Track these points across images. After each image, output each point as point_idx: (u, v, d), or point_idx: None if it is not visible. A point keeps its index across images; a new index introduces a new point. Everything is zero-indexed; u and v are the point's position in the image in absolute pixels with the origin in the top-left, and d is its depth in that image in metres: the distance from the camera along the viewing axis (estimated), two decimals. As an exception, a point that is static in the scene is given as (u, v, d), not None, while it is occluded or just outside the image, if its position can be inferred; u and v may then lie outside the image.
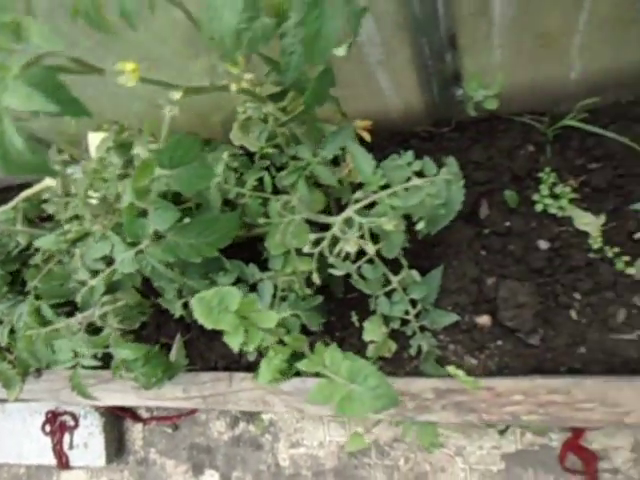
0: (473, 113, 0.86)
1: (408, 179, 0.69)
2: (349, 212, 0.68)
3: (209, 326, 0.68)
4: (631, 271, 0.84)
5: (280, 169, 0.83)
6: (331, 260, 0.71)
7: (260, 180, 0.84)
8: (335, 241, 0.72)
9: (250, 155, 0.88)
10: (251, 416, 1.43)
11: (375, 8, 0.69)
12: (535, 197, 0.90)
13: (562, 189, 0.89)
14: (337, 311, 0.97)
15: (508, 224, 0.90)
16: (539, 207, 0.90)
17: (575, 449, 1.12)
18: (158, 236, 0.68)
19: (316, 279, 0.73)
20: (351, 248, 0.70)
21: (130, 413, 1.52)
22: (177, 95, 0.55)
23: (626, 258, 0.85)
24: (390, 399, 0.66)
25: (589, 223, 0.90)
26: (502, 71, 0.83)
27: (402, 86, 0.88)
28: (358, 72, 0.85)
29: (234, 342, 0.69)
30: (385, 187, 0.72)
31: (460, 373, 0.75)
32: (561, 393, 0.74)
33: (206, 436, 1.48)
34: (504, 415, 0.77)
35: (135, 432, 1.56)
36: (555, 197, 0.90)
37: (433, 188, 0.68)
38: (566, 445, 1.13)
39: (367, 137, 0.90)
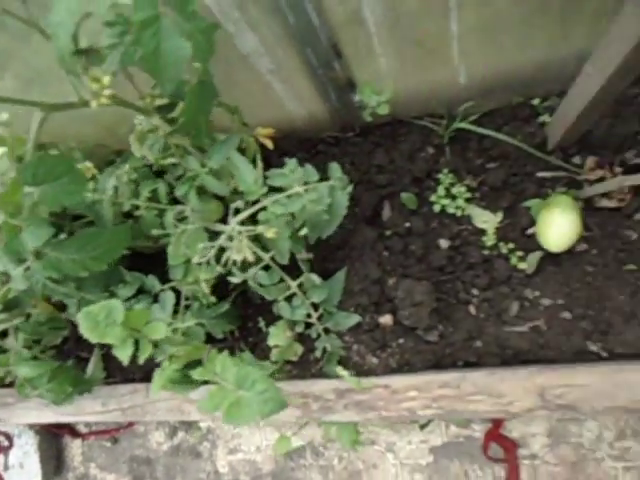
0: (369, 119, 0.88)
1: (282, 189, 0.70)
2: (231, 221, 0.69)
3: (94, 340, 0.68)
4: (523, 266, 0.88)
5: (179, 179, 0.84)
6: (218, 269, 0.71)
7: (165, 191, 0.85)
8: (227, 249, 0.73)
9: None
10: (189, 425, 1.43)
11: (250, 19, 0.71)
12: (433, 198, 0.93)
13: (459, 189, 0.92)
14: (253, 316, 0.98)
15: (409, 225, 0.93)
16: (437, 207, 0.93)
17: (496, 438, 1.16)
18: (39, 253, 0.67)
19: (204, 288, 0.74)
20: (238, 257, 0.71)
21: (68, 429, 1.50)
22: (4, 116, 0.55)
23: (520, 253, 0.89)
24: (278, 403, 0.67)
25: (487, 221, 0.94)
26: (392, 77, 0.86)
27: (300, 94, 0.90)
28: (253, 82, 0.86)
29: (122, 354, 0.69)
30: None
31: (345, 374, 0.77)
32: (451, 387, 0.77)
33: (145, 448, 1.47)
34: (402, 411, 0.80)
35: (74, 448, 1.54)
36: (452, 197, 0.93)
37: (314, 195, 0.70)
38: (488, 435, 1.17)
39: (269, 144, 0.92)
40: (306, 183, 0.73)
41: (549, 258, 0.87)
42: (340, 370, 0.78)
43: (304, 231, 0.71)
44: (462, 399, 0.77)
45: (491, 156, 0.96)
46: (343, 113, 0.96)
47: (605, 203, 0.86)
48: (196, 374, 0.73)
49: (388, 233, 0.93)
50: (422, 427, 1.14)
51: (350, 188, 0.77)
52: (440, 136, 0.96)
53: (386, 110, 0.86)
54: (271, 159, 1.02)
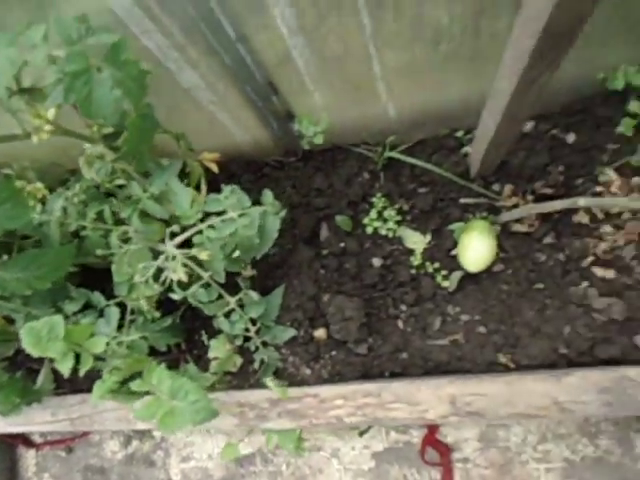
0: (307, 147, 0.96)
1: (225, 212, 0.77)
2: (168, 244, 0.75)
3: (37, 354, 0.73)
4: (446, 284, 0.96)
5: (126, 200, 0.89)
6: (157, 287, 0.77)
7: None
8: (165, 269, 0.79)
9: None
10: (143, 434, 1.47)
11: (189, 59, 0.77)
12: (366, 220, 1.00)
13: (390, 212, 1.00)
14: (200, 329, 1.03)
15: (344, 245, 1.00)
16: (370, 229, 1.00)
17: (432, 443, 1.24)
18: (-16, 271, 0.72)
19: (144, 305, 0.79)
20: (175, 277, 0.76)
21: (22, 439, 1.51)
22: None
23: (444, 272, 0.97)
24: (208, 412, 0.73)
25: (417, 242, 1.02)
26: (326, 110, 0.93)
27: (243, 123, 0.97)
28: (198, 112, 0.92)
29: (63, 367, 0.74)
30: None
31: (273, 384, 0.83)
32: (374, 396, 0.84)
33: (100, 457, 1.50)
34: (330, 419, 0.86)
35: (29, 458, 1.55)
36: (384, 220, 1.01)
37: (246, 220, 0.76)
38: (424, 440, 1.25)
39: (214, 168, 0.98)
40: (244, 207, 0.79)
41: (469, 277, 0.96)
42: (269, 381, 0.84)
43: (236, 253, 0.77)
44: (383, 407, 0.84)
45: (422, 182, 1.04)
46: (285, 140, 1.03)
47: (518, 228, 0.95)
48: (135, 385, 0.78)
49: (325, 252, 1.01)
50: (361, 434, 1.21)
51: (283, 213, 0.84)
52: (375, 162, 1.04)
53: (321, 140, 0.93)
54: (219, 181, 1.08)
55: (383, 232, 1.01)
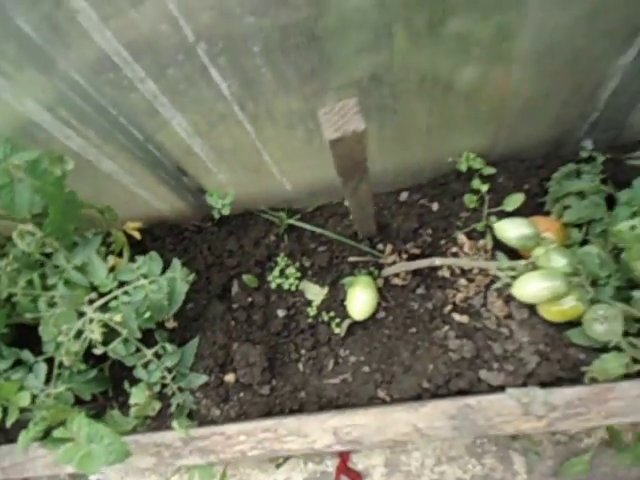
0: (218, 216, 1.12)
1: (137, 279, 0.92)
2: (87, 309, 0.89)
3: (-33, 410, 0.84)
4: (338, 330, 1.13)
5: (55, 268, 1.03)
6: (77, 346, 0.90)
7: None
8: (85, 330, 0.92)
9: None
10: (81, 477, 1.54)
11: (106, 152, 0.93)
12: (269, 277, 1.17)
13: (291, 270, 1.17)
14: (125, 377, 1.16)
15: (251, 299, 1.16)
16: (273, 285, 1.17)
17: (345, 471, 1.39)
18: None
19: (66, 361, 0.92)
20: (95, 336, 0.90)
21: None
22: None
23: (337, 320, 1.14)
24: (121, 453, 0.86)
25: (316, 294, 1.19)
26: (232, 186, 1.11)
27: (162, 198, 1.13)
28: (121, 190, 1.08)
29: (-9, 420, 0.86)
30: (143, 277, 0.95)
31: (177, 426, 0.97)
32: (271, 431, 0.99)
33: (36, 504, 1.55)
34: (235, 453, 1.00)
35: (-36, 510, 1.58)
36: (286, 276, 1.18)
37: (155, 286, 0.91)
38: (338, 469, 1.39)
39: (137, 235, 1.13)
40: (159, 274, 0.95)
41: (358, 324, 1.13)
42: (175, 423, 0.97)
43: (147, 314, 0.92)
44: (279, 440, 0.99)
45: (321, 242, 1.22)
46: (201, 208, 1.20)
47: (396, 281, 1.14)
48: (57, 433, 0.90)
49: (235, 306, 1.16)
50: (278, 466, 1.35)
51: (191, 277, 1.00)
52: (279, 226, 1.22)
53: (228, 211, 1.11)
54: (146, 242, 1.24)
55: (286, 287, 1.18)
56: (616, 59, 0.83)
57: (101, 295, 0.92)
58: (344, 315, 1.14)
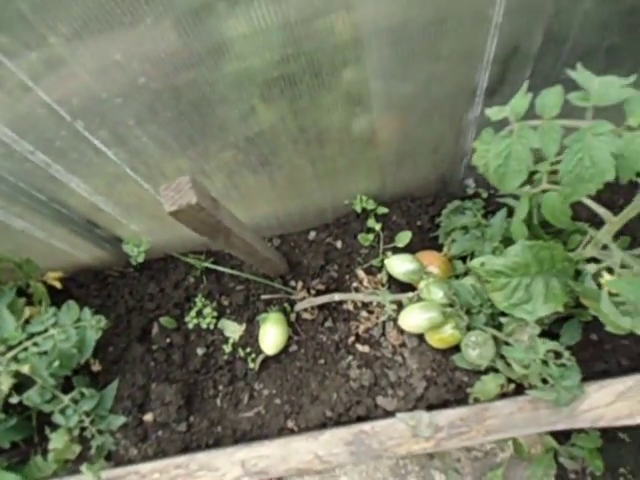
0: (135, 263, 1.19)
1: (47, 330, 0.98)
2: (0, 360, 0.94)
3: None
4: (253, 365, 1.20)
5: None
6: (-12, 397, 0.95)
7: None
8: None
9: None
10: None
11: (15, 213, 1.00)
12: (187, 318, 1.24)
13: (208, 310, 1.24)
14: (50, 423, 1.20)
15: (170, 340, 1.22)
16: (191, 325, 1.24)
17: (277, 500, 1.43)
18: None
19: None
20: (3, 387, 0.95)
21: None
22: None
23: (253, 356, 1.21)
24: (30, 498, 0.90)
25: (234, 331, 1.26)
26: (146, 234, 1.18)
27: (81, 248, 1.19)
28: (39, 243, 1.14)
29: None
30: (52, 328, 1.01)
31: (85, 470, 1.02)
32: (183, 467, 1.05)
33: None
34: (149, 490, 1.05)
35: None
36: (203, 316, 1.25)
37: (64, 336, 0.97)
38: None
39: (58, 285, 1.19)
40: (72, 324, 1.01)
41: (272, 358, 1.20)
42: (83, 468, 1.02)
43: (56, 363, 0.98)
44: (192, 476, 1.04)
45: (239, 281, 1.30)
46: (121, 256, 1.27)
47: (306, 316, 1.22)
48: (-31, 483, 0.94)
49: (155, 347, 1.22)
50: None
51: (103, 324, 1.06)
52: (198, 268, 1.30)
53: (142, 258, 1.18)
54: (71, 289, 1.30)
55: (204, 326, 1.24)
56: (466, 114, 0.94)
57: (11, 348, 0.98)
58: (259, 350, 1.21)
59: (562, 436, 1.37)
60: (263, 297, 1.25)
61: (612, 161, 0.49)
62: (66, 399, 1.07)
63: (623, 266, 0.73)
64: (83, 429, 1.12)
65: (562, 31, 0.78)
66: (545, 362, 0.89)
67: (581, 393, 0.91)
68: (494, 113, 0.59)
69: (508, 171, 0.59)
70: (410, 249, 1.18)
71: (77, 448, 1.12)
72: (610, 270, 0.78)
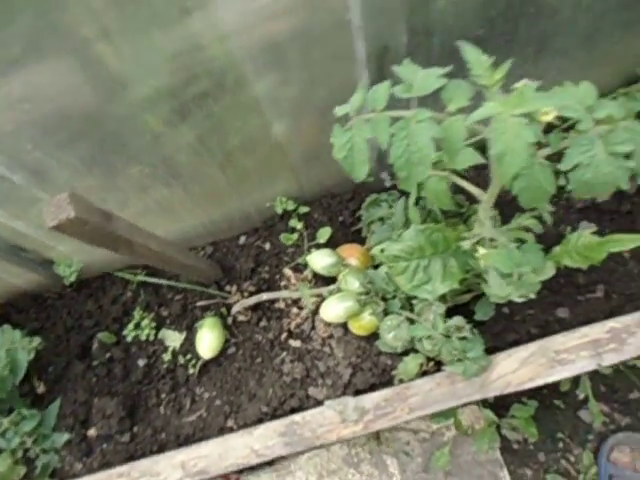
0: (68, 283, 1.22)
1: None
2: None
3: None
4: (193, 370, 1.23)
5: None
6: None
7: None
8: None
9: None
10: None
11: None
12: (126, 331, 1.27)
13: (146, 321, 1.28)
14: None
15: (110, 355, 1.25)
16: (130, 338, 1.27)
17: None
18: None
19: None
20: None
21: None
22: None
23: (193, 362, 1.24)
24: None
25: (175, 340, 1.29)
26: (77, 254, 1.21)
27: (11, 273, 1.21)
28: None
29: None
30: None
31: None
32: (125, 475, 1.07)
33: None
34: (95, 502, 1.07)
35: None
36: (142, 328, 1.28)
37: (-8, 359, 1.00)
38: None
39: (-4, 312, 1.21)
40: None
41: (212, 362, 1.24)
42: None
43: (-12, 386, 1.00)
44: (134, 482, 1.07)
45: (177, 290, 1.33)
46: (57, 277, 1.29)
47: (242, 318, 1.26)
48: None
49: (95, 363, 1.25)
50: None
51: (36, 343, 1.09)
52: (133, 282, 1.33)
53: (74, 278, 1.21)
54: (11, 314, 1.32)
55: (144, 337, 1.28)
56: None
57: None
58: (199, 356, 1.25)
59: (502, 409, 1.43)
60: (199, 304, 1.29)
61: (432, 145, 0.55)
62: (6, 422, 1.09)
63: (492, 240, 0.79)
64: (26, 450, 1.14)
65: (425, 28, 0.85)
66: (448, 337, 0.94)
67: (488, 363, 0.97)
68: (339, 110, 0.65)
69: (355, 162, 0.64)
70: (334, 244, 1.23)
71: (22, 469, 1.14)
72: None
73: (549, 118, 0.57)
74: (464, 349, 0.93)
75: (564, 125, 0.66)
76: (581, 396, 1.41)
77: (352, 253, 1.16)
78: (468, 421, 1.42)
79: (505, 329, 1.09)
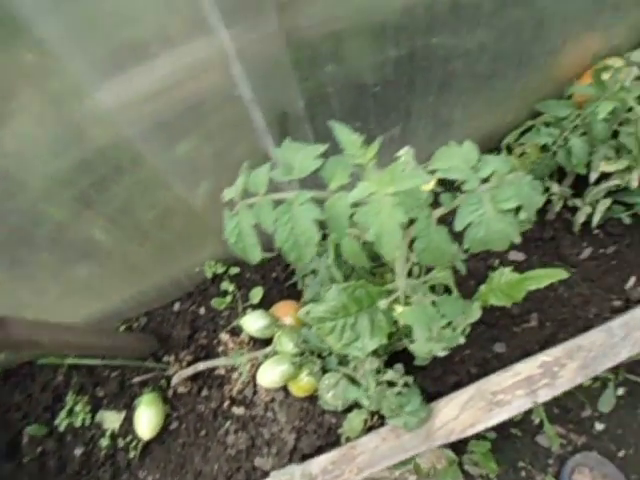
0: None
1: None
2: None
3: None
4: (135, 453, 1.16)
5: None
6: None
7: None
8: None
9: None
10: None
11: None
12: (57, 421, 1.19)
13: (80, 405, 1.20)
14: None
15: (42, 448, 1.17)
16: (63, 426, 1.19)
17: None
18: None
19: None
20: None
21: None
22: None
23: (134, 443, 1.18)
24: None
25: (114, 420, 1.22)
26: None
27: None
28: None
29: None
30: None
31: None
32: None
33: None
34: None
35: None
36: (76, 414, 1.20)
37: None
38: None
39: None
40: None
41: (153, 441, 1.17)
42: None
43: None
44: None
45: (113, 368, 1.27)
46: (-20, 369, 1.21)
47: (182, 389, 1.21)
48: None
49: (26, 460, 1.16)
50: None
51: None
52: (66, 365, 1.26)
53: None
54: None
55: (79, 423, 1.20)
56: (273, 173, 1.00)
57: None
58: (139, 437, 1.18)
59: (462, 443, 1.41)
60: (136, 380, 1.23)
61: (315, 227, 0.54)
62: None
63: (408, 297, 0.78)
64: None
65: (319, 91, 0.86)
66: (383, 393, 0.92)
67: (427, 413, 0.95)
68: (227, 194, 0.63)
69: (246, 246, 0.63)
70: (270, 301, 1.20)
71: None
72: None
73: (429, 187, 0.57)
74: (400, 404, 0.92)
75: (456, 183, 0.67)
76: (536, 421, 1.40)
77: (287, 311, 1.14)
78: (429, 463, 1.39)
79: (445, 372, 1.08)
